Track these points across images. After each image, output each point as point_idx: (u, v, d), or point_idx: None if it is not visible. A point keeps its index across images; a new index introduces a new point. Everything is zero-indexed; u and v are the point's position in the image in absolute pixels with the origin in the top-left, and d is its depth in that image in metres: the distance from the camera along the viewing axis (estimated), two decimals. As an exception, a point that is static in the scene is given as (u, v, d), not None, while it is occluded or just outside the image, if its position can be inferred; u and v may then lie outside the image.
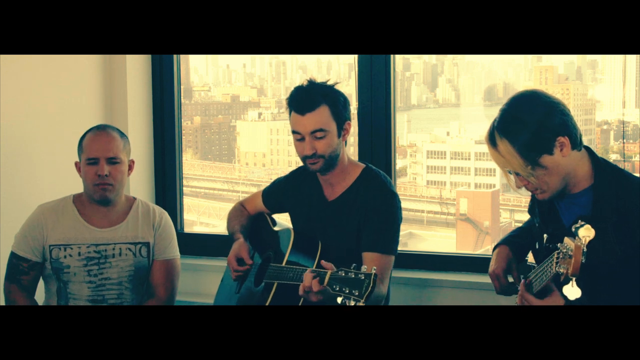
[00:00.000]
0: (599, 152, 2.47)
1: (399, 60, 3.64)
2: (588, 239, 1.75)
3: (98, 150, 2.69)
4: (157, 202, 3.58)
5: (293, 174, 2.79)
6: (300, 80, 2.59)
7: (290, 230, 2.65)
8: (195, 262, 3.45)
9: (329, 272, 2.09)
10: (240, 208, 2.94)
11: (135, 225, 2.80)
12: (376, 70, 3.14)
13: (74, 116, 3.37)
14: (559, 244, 1.82)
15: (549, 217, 2.17)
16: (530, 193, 2.31)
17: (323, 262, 2.18)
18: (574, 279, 1.78)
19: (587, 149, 2.10)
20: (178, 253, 2.89)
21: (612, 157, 3.49)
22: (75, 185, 2.80)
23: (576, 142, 2.03)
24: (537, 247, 2.25)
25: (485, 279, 2.39)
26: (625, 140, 3.42)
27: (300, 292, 2.20)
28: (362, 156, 3.17)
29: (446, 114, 4.34)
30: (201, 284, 3.40)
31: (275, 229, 2.79)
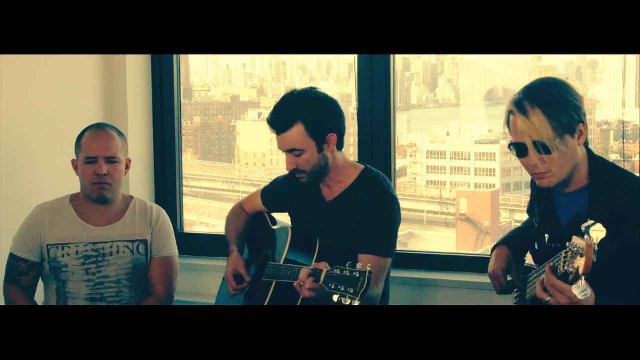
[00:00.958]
0: (599, 152, 2.48)
1: (399, 60, 3.64)
2: (600, 238, 1.76)
3: (97, 150, 2.69)
4: (157, 202, 3.58)
5: (292, 174, 2.79)
6: (300, 80, 2.59)
7: (288, 229, 2.65)
8: (195, 262, 3.45)
9: (324, 271, 2.10)
10: (238, 211, 2.94)
11: (133, 223, 2.80)
12: (376, 70, 3.14)
13: (74, 116, 3.36)
14: (567, 243, 1.82)
15: (547, 215, 2.18)
16: (530, 193, 2.32)
17: (316, 264, 2.19)
18: (583, 277, 1.78)
19: (586, 148, 2.11)
20: (176, 250, 2.89)
21: (612, 157, 3.49)
22: (75, 185, 2.80)
23: (586, 138, 2.08)
24: (536, 247, 2.25)
25: (485, 279, 2.39)
26: (625, 140, 3.42)
27: (295, 285, 2.22)
28: (362, 156, 3.17)
29: (446, 114, 4.34)
30: (201, 284, 3.40)
31: (274, 227, 2.79)
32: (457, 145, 4.23)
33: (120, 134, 2.78)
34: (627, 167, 3.31)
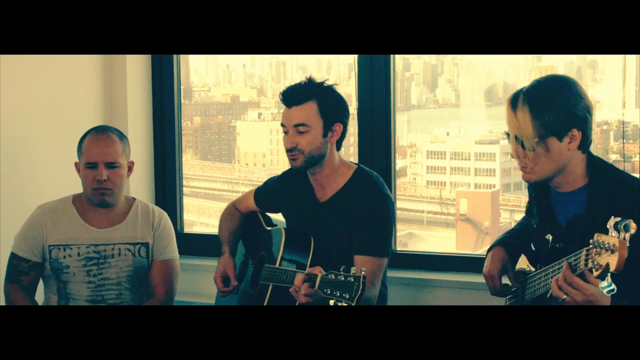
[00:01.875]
0: (599, 153, 2.48)
1: (399, 61, 3.64)
2: (632, 233, 1.75)
3: (97, 155, 2.68)
4: (157, 203, 3.58)
5: (285, 174, 2.78)
6: (300, 80, 2.59)
7: (281, 230, 2.65)
8: (195, 263, 3.45)
9: (319, 276, 2.10)
10: (232, 210, 2.93)
11: (135, 226, 2.80)
12: (376, 70, 3.14)
13: (74, 116, 3.36)
14: (590, 240, 1.81)
15: (546, 215, 2.17)
16: (528, 193, 2.32)
17: (310, 269, 2.19)
18: (609, 274, 1.77)
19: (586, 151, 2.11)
20: (177, 254, 2.89)
21: (612, 157, 3.49)
22: (75, 185, 2.80)
23: (585, 144, 2.05)
24: (532, 248, 2.25)
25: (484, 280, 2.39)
26: (625, 141, 3.42)
27: (291, 290, 2.22)
28: (362, 156, 3.17)
29: (446, 114, 4.35)
30: (201, 284, 3.40)
31: (268, 228, 2.79)
32: (457, 146, 4.23)
33: (122, 136, 2.77)
34: (627, 167, 3.31)
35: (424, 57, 4.34)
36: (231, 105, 4.79)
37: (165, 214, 2.90)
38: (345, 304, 2.03)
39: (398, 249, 3.16)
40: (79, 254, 2.73)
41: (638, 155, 3.42)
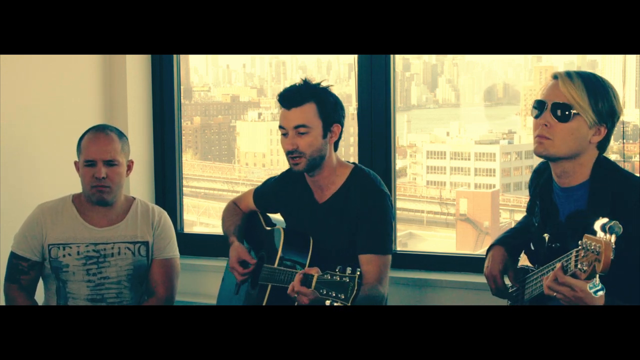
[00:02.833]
0: (599, 152, 2.46)
1: (399, 61, 3.65)
2: (617, 235, 1.76)
3: (95, 153, 2.69)
4: (157, 203, 3.58)
5: (284, 175, 2.78)
6: (298, 80, 2.59)
7: (280, 230, 2.65)
8: (195, 262, 3.45)
9: (315, 276, 2.11)
10: (233, 207, 2.93)
11: (135, 225, 2.80)
12: (376, 70, 3.14)
13: (74, 116, 3.36)
14: (579, 242, 1.82)
15: (547, 212, 2.18)
16: (529, 193, 2.32)
17: (307, 269, 2.20)
18: (597, 275, 1.79)
19: (599, 151, 2.13)
20: (177, 253, 2.89)
21: (612, 157, 3.48)
22: (76, 185, 2.80)
23: (605, 144, 2.09)
24: (532, 247, 2.25)
25: (485, 279, 2.39)
26: (625, 140, 3.42)
27: (289, 292, 2.22)
28: (362, 156, 3.17)
29: (446, 114, 4.35)
30: (201, 284, 3.40)
31: (267, 228, 2.79)
32: (457, 146, 4.24)
33: (122, 135, 2.78)
34: (627, 167, 3.31)
35: (424, 57, 4.35)
36: (231, 105, 4.79)
37: (165, 213, 2.90)
38: (341, 304, 2.04)
39: (398, 249, 3.16)
40: (78, 253, 2.73)
41: (638, 155, 3.42)
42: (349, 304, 2.04)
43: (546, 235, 2.16)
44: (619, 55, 3.46)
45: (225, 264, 2.83)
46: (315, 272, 2.14)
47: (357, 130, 3.19)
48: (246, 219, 2.89)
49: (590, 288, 1.82)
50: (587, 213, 2.02)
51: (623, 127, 3.40)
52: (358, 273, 2.06)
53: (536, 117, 2.09)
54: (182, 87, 3.70)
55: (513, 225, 2.49)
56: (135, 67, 3.58)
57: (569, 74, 2.08)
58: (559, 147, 2.07)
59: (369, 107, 3.16)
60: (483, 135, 4.19)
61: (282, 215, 2.80)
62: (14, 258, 2.76)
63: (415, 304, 3.02)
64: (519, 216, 2.50)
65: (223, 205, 3.01)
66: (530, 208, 2.31)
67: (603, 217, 1.81)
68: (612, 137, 2.12)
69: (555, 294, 1.89)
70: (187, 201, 3.85)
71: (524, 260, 2.33)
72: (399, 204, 3.46)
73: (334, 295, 2.06)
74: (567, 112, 2.04)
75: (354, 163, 2.66)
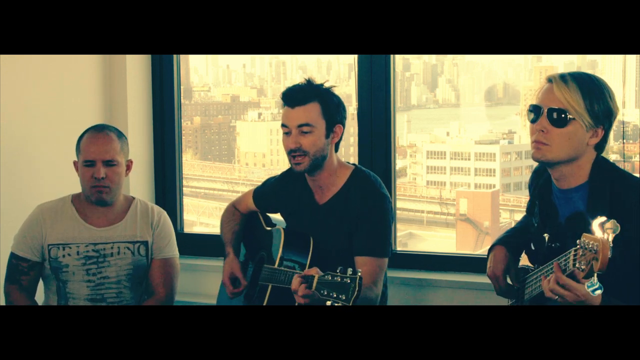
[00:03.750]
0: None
1: (399, 61, 3.65)
2: (614, 235, 1.76)
3: (95, 153, 2.69)
4: (157, 203, 3.58)
5: (284, 175, 2.77)
6: (300, 80, 2.59)
7: (280, 230, 2.65)
8: (195, 262, 3.45)
9: (316, 277, 2.11)
10: (232, 210, 2.93)
11: (134, 224, 2.80)
12: (376, 70, 3.14)
13: (74, 116, 3.36)
14: (577, 241, 1.82)
15: (547, 213, 2.18)
16: (528, 193, 2.32)
17: (307, 270, 2.20)
18: (595, 274, 1.79)
19: (597, 152, 2.12)
20: (177, 252, 2.89)
21: (612, 157, 3.49)
22: (75, 185, 2.80)
23: (602, 145, 2.09)
24: (532, 247, 2.25)
25: (485, 279, 2.39)
26: (625, 140, 3.42)
27: (293, 289, 2.22)
28: (362, 156, 3.17)
29: (446, 114, 4.35)
30: (201, 284, 3.40)
31: (267, 228, 2.79)
32: (457, 146, 4.24)
33: (121, 135, 2.78)
34: (627, 167, 3.31)
35: (424, 57, 4.35)
36: (231, 105, 4.79)
37: (165, 213, 2.90)
38: (342, 305, 2.04)
39: (398, 249, 3.16)
40: (78, 253, 2.73)
41: (638, 155, 3.42)
42: (350, 305, 2.03)
43: (546, 235, 2.17)
44: (619, 55, 3.46)
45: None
46: (315, 272, 2.14)
47: (357, 130, 3.19)
48: (245, 221, 2.89)
49: (588, 287, 1.82)
50: (587, 215, 2.02)
51: (623, 127, 3.40)
52: (359, 274, 2.06)
53: (532, 121, 2.09)
54: (182, 87, 3.70)
55: (513, 225, 2.50)
56: (135, 67, 3.58)
57: (563, 77, 2.07)
58: (556, 152, 2.07)
59: (369, 107, 3.16)
60: (483, 135, 4.19)
61: (282, 215, 2.80)
62: (13, 259, 2.76)
63: (415, 304, 3.02)
64: (519, 216, 2.50)
65: (223, 205, 3.00)
66: (529, 208, 2.31)
67: (601, 216, 1.81)
68: (612, 137, 2.12)
69: (557, 297, 1.89)
70: (187, 201, 3.85)
71: (524, 260, 2.33)
72: (399, 204, 3.46)
73: (334, 296, 2.06)
74: (563, 117, 2.03)
75: (354, 164, 2.66)
